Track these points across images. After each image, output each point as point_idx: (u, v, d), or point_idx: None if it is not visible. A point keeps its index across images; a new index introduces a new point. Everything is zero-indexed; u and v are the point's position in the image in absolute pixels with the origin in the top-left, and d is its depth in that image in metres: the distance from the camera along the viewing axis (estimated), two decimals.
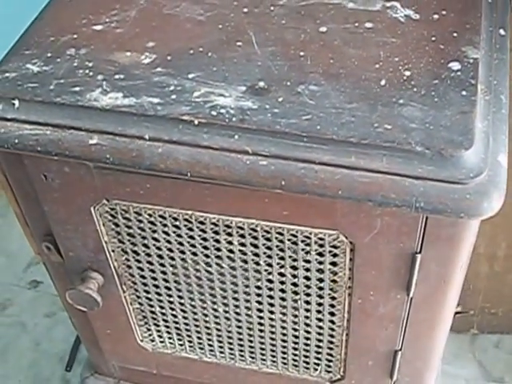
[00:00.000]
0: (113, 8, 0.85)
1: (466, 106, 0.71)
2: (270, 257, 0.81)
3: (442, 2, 0.83)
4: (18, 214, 0.93)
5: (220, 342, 0.99)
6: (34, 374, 1.44)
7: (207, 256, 0.84)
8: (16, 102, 0.76)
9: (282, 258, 0.81)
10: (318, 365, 0.97)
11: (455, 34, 0.79)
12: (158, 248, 0.85)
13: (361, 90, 0.73)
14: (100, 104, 0.74)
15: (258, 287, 0.86)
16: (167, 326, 1.00)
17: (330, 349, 0.94)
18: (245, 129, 0.71)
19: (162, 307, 0.96)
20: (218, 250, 0.83)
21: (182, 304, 0.94)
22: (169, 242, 0.84)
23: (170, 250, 0.85)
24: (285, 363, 0.99)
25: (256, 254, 0.82)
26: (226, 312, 0.93)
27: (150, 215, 0.81)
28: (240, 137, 0.71)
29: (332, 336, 0.91)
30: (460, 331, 1.45)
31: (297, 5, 0.84)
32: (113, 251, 0.88)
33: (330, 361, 0.96)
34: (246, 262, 0.83)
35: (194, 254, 0.85)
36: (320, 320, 0.89)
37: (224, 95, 0.74)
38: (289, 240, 0.78)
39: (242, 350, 0.99)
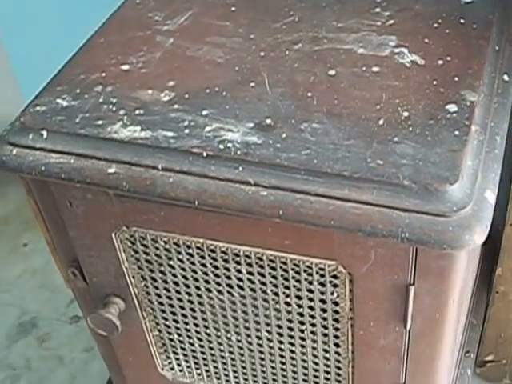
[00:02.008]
0: (140, 49, 0.97)
1: (457, 145, 0.79)
2: (275, 286, 0.90)
3: (449, 49, 0.92)
4: (48, 242, 1.04)
5: (235, 371, 1.07)
6: None
7: (219, 284, 0.93)
8: (44, 133, 0.87)
9: (287, 288, 0.90)
10: None
11: (456, 79, 0.87)
12: (174, 275, 0.95)
13: (359, 128, 0.82)
14: (119, 136, 0.85)
15: (267, 316, 0.95)
16: (185, 355, 1.09)
17: (338, 381, 1.01)
18: (248, 161, 0.80)
19: (179, 334, 1.05)
20: (229, 278, 0.92)
21: (197, 332, 1.03)
22: (183, 269, 0.93)
23: (185, 278, 0.94)
24: None
25: (263, 283, 0.90)
26: (239, 341, 1.01)
27: (165, 242, 0.91)
28: (244, 169, 0.80)
29: (339, 368, 0.98)
30: (492, 381, 1.48)
31: (310, 50, 0.94)
32: (133, 277, 0.98)
33: None
34: (254, 290, 0.92)
35: (207, 281, 0.94)
36: (326, 351, 0.96)
37: (232, 130, 0.83)
38: (292, 269, 0.87)
39: (255, 381, 1.07)
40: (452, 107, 0.83)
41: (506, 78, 0.91)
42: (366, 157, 0.78)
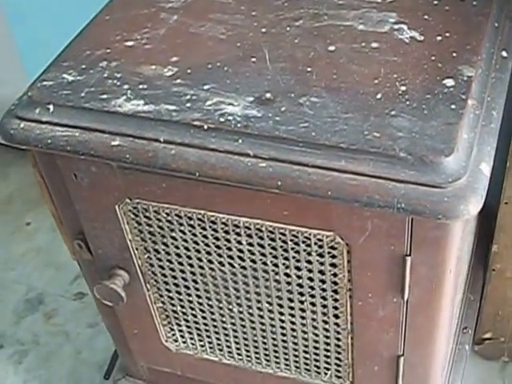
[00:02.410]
0: (144, 26, 0.99)
1: (453, 118, 0.80)
2: (275, 257, 0.92)
3: (448, 25, 0.93)
4: (54, 215, 1.06)
5: (237, 343, 1.10)
6: (74, 381, 1.57)
7: (220, 255, 0.95)
8: (51, 107, 0.89)
9: (287, 259, 0.92)
10: (327, 369, 1.07)
11: (454, 54, 0.89)
12: (176, 247, 0.97)
13: (357, 102, 0.84)
14: (123, 110, 0.87)
15: (267, 287, 0.97)
16: (188, 326, 1.11)
17: (338, 353, 1.03)
18: (248, 134, 0.82)
19: (182, 306, 1.07)
20: (229, 249, 0.94)
21: (200, 304, 1.05)
22: (185, 240, 0.95)
23: (187, 249, 0.97)
24: (297, 367, 1.09)
25: (263, 254, 0.92)
26: (240, 312, 1.03)
27: (167, 214, 0.93)
28: (243, 141, 0.82)
29: (338, 339, 1.01)
30: (490, 358, 1.50)
31: (311, 26, 0.95)
32: (136, 249, 1.01)
33: (338, 365, 1.05)
34: (254, 261, 0.94)
35: (208, 253, 0.96)
36: (326, 322, 0.99)
37: (233, 104, 0.85)
38: (291, 241, 0.89)
39: (257, 352, 1.10)
40: (449, 82, 0.85)
41: (504, 54, 0.93)
42: (363, 129, 0.80)
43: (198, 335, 1.12)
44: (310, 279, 0.93)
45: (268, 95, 0.86)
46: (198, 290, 1.03)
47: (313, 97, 0.85)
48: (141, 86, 0.89)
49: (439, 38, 0.92)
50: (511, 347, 1.48)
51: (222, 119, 0.84)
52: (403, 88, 0.85)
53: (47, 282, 1.78)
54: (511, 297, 1.37)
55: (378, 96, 0.84)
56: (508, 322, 1.42)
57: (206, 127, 0.84)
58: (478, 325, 1.44)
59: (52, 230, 1.88)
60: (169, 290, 1.06)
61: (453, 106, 0.82)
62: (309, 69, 0.89)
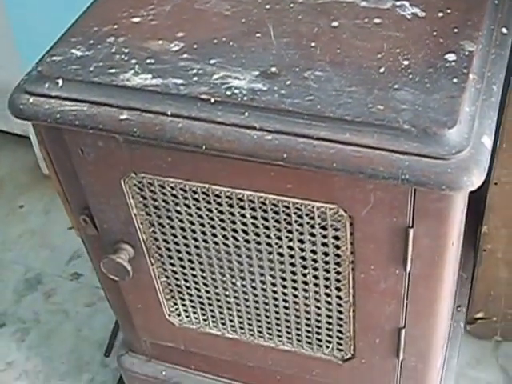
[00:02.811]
0: (151, 3, 1.00)
1: (455, 92, 0.82)
2: (279, 230, 0.94)
3: (449, 2, 0.95)
4: (58, 191, 1.07)
5: (239, 317, 1.11)
6: (75, 358, 1.60)
7: (224, 229, 0.97)
8: (60, 81, 0.91)
9: (290, 232, 0.93)
10: (329, 342, 1.08)
11: (456, 30, 0.90)
12: (181, 220, 0.99)
13: (361, 76, 0.85)
14: (131, 83, 0.88)
15: (271, 260, 0.99)
16: (191, 301, 1.13)
17: (340, 325, 1.05)
18: (254, 107, 0.84)
19: (186, 280, 1.09)
20: (233, 222, 0.95)
21: (203, 277, 1.07)
22: (190, 214, 0.97)
23: (191, 223, 0.98)
24: (299, 340, 1.11)
25: (266, 227, 0.94)
26: (244, 286, 1.05)
27: (172, 188, 0.94)
28: (249, 114, 0.84)
29: (340, 312, 1.02)
30: (483, 338, 1.52)
31: (314, 2, 0.97)
32: (141, 224, 1.02)
33: (340, 338, 1.07)
34: (258, 235, 0.96)
35: (213, 226, 0.98)
36: (328, 295, 1.00)
37: (239, 78, 0.87)
38: (294, 213, 0.90)
39: (259, 326, 1.11)
40: (451, 56, 0.87)
41: (504, 30, 0.94)
42: (367, 102, 0.82)
43: (201, 309, 1.14)
44: (313, 252, 0.95)
45: (273, 69, 0.87)
46: (201, 263, 1.05)
47: (317, 71, 0.87)
48: (148, 61, 0.91)
49: (440, 14, 0.93)
50: (504, 327, 1.50)
51: (228, 93, 0.85)
52: (406, 62, 0.86)
53: (44, 263, 1.82)
54: (503, 276, 1.39)
55: (381, 70, 0.86)
56: (500, 302, 1.45)
57: (212, 100, 0.85)
58: (470, 305, 1.46)
59: (44, 213, 1.94)
60: (173, 264, 1.07)
61: (455, 80, 0.84)
62: (313, 44, 0.90)
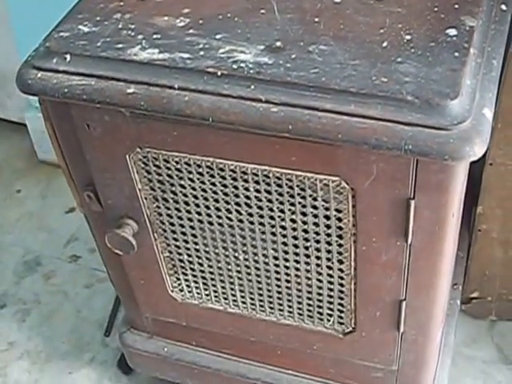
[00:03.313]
0: None
1: (457, 65, 0.84)
2: (282, 203, 0.95)
3: None
4: (63, 168, 1.09)
5: (241, 291, 1.13)
6: (76, 338, 1.62)
7: (227, 202, 0.99)
8: (68, 57, 0.92)
9: (293, 205, 0.95)
10: (330, 315, 1.10)
11: (456, 6, 0.92)
12: (185, 195, 1.00)
13: (364, 50, 0.87)
14: (138, 58, 0.90)
15: (273, 234, 1.00)
16: (194, 276, 1.14)
17: (341, 298, 1.07)
18: (260, 80, 0.85)
19: (189, 255, 1.11)
20: (237, 196, 0.97)
21: (206, 252, 1.09)
22: (194, 188, 0.99)
23: (195, 197, 1.00)
24: (300, 314, 1.12)
25: (269, 200, 0.96)
26: (246, 260, 1.07)
27: (176, 162, 0.96)
28: (256, 87, 0.85)
29: (342, 285, 1.04)
30: (478, 317, 1.55)
31: None
32: (145, 198, 1.04)
33: (341, 311, 1.09)
34: (261, 208, 0.97)
35: (216, 200, 0.99)
36: (330, 268, 1.02)
37: (245, 52, 0.88)
38: (297, 186, 0.92)
39: (261, 300, 1.13)
40: (452, 31, 0.88)
41: (503, 7, 0.96)
42: (371, 75, 0.84)
43: (204, 284, 1.16)
44: (316, 225, 0.97)
45: (278, 44, 0.89)
46: (204, 238, 1.06)
47: (321, 45, 0.88)
48: (155, 36, 0.92)
49: None
50: (498, 306, 1.53)
51: (234, 66, 0.87)
52: (408, 37, 0.88)
53: (42, 245, 1.84)
54: (498, 256, 1.42)
55: (384, 44, 0.87)
56: (495, 282, 1.47)
57: (219, 74, 0.87)
58: (466, 285, 1.48)
59: (41, 197, 1.98)
60: (176, 239, 1.09)
61: (456, 54, 0.85)
62: (316, 19, 0.92)
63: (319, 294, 1.08)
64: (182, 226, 1.06)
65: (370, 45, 0.88)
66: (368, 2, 0.94)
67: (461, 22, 0.90)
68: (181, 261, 1.13)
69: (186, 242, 1.08)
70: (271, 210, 0.97)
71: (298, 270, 1.05)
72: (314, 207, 0.94)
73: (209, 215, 1.02)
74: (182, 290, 1.18)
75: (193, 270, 1.14)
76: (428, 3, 0.93)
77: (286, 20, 0.92)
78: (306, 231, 0.98)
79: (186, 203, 1.02)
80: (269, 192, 0.95)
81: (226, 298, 1.16)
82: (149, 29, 0.94)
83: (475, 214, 1.37)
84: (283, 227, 0.99)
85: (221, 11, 0.95)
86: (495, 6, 0.95)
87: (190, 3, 0.97)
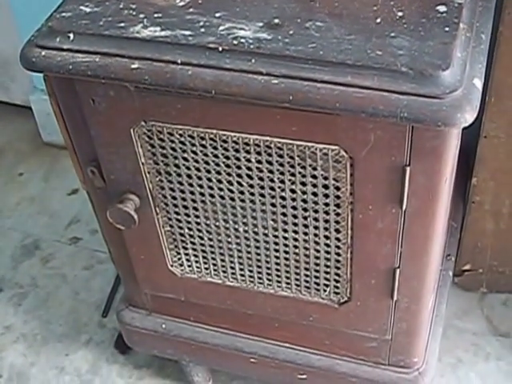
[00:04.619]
0: None
1: (447, 39, 0.89)
2: (282, 173, 1.00)
3: None
4: (67, 144, 1.12)
5: (240, 263, 1.18)
6: (73, 320, 1.66)
7: (229, 174, 1.03)
8: (71, 35, 0.96)
9: (293, 175, 1.00)
10: (327, 286, 1.15)
11: None
12: (187, 168, 1.05)
13: (359, 25, 0.92)
14: (141, 35, 0.94)
15: (273, 204, 1.05)
16: (194, 249, 1.19)
17: (337, 268, 1.11)
18: (260, 54, 0.90)
19: (189, 229, 1.15)
20: (239, 167, 1.02)
21: (207, 225, 1.13)
22: (196, 161, 1.03)
23: (198, 170, 1.04)
24: (298, 285, 1.17)
25: (271, 171, 1.00)
26: (246, 232, 1.11)
27: (180, 135, 1.00)
28: (256, 61, 0.90)
29: (338, 254, 1.09)
30: (469, 289, 1.61)
31: None
32: (148, 173, 1.08)
33: (337, 281, 1.14)
34: (262, 179, 1.02)
35: (218, 172, 1.04)
36: (327, 238, 1.07)
37: (244, 29, 0.93)
38: (298, 156, 0.97)
39: (259, 272, 1.18)
40: (442, 8, 0.93)
41: None
42: (367, 48, 0.88)
43: (204, 257, 1.20)
44: (314, 194, 1.01)
45: (276, 21, 0.94)
46: (205, 210, 1.11)
47: (318, 21, 0.93)
48: (156, 15, 0.96)
49: None
50: (489, 278, 1.58)
51: (235, 42, 0.91)
52: (400, 13, 0.93)
53: (42, 229, 1.86)
54: (489, 228, 1.47)
55: (378, 20, 0.92)
56: (486, 254, 1.52)
57: (220, 49, 0.91)
58: (458, 257, 1.54)
59: (44, 180, 1.98)
60: (177, 213, 1.13)
61: (446, 29, 0.90)
62: None
63: (316, 265, 1.12)
64: (183, 199, 1.10)
65: (364, 21, 0.92)
66: None
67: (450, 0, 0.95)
68: (181, 235, 1.17)
69: (188, 215, 1.13)
70: (272, 180, 1.02)
71: (296, 240, 1.09)
72: (314, 177, 0.99)
73: (211, 188, 1.07)
74: (181, 265, 1.23)
75: (193, 243, 1.18)
76: None
77: None
78: (305, 201, 1.03)
79: (189, 176, 1.06)
80: (270, 163, 0.99)
81: (224, 272, 1.21)
82: (150, 8, 0.98)
83: (470, 187, 1.43)
84: (283, 198, 1.04)
85: None
86: None
87: None
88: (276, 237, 1.10)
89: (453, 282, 1.56)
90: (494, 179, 1.39)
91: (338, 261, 1.10)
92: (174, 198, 1.11)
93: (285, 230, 1.09)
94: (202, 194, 1.08)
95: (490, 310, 1.59)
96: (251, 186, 1.04)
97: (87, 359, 1.60)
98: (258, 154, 0.99)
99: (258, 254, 1.15)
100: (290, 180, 1.01)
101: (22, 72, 1.02)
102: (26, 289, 1.73)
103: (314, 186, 1.00)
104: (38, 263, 1.78)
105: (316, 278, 1.15)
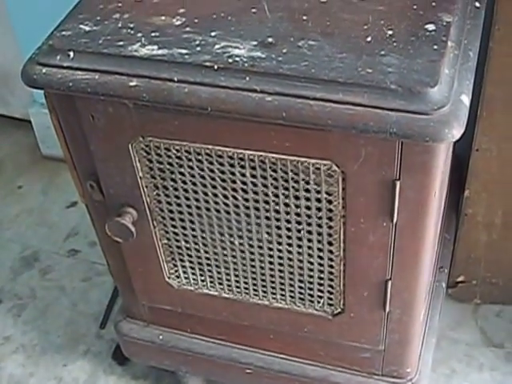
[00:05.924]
0: None
1: (436, 57, 0.92)
2: (276, 188, 1.03)
3: None
4: (67, 159, 1.16)
5: (236, 276, 1.21)
6: (71, 331, 1.69)
7: (224, 188, 1.06)
8: (71, 53, 0.99)
9: (287, 189, 1.03)
10: (320, 297, 1.18)
11: (433, 4, 1.00)
12: (184, 182, 1.08)
13: (350, 44, 0.95)
14: (139, 54, 0.97)
15: (268, 218, 1.08)
16: (191, 262, 1.22)
17: (331, 280, 1.14)
18: (254, 72, 0.93)
19: (186, 241, 1.18)
20: (234, 182, 1.05)
21: (203, 238, 1.16)
22: (193, 175, 1.06)
23: (194, 184, 1.08)
24: (292, 296, 1.20)
25: (265, 186, 1.04)
26: (241, 245, 1.14)
27: (177, 150, 1.04)
28: (250, 78, 0.93)
29: (331, 266, 1.12)
30: (463, 301, 1.63)
31: None
32: (146, 187, 1.11)
33: (331, 293, 1.17)
34: (256, 193, 1.05)
35: (214, 186, 1.07)
36: (320, 250, 1.10)
37: (239, 47, 0.96)
38: (291, 171, 1.00)
39: (254, 284, 1.21)
40: (430, 26, 0.97)
41: (477, 4, 1.05)
42: (357, 66, 0.92)
43: (200, 270, 1.23)
44: (308, 208, 1.04)
45: (270, 39, 0.97)
46: (202, 224, 1.14)
47: (310, 40, 0.96)
48: (153, 34, 1.00)
49: None
50: (483, 290, 1.61)
51: (230, 60, 0.95)
52: (390, 32, 0.96)
53: (41, 241, 1.90)
54: (482, 239, 1.50)
55: (368, 39, 0.96)
56: (479, 265, 1.55)
57: (216, 67, 0.94)
58: (452, 268, 1.57)
59: (43, 193, 2.01)
60: (174, 226, 1.16)
61: (435, 47, 0.94)
62: (304, 17, 1.00)
63: (310, 277, 1.15)
64: (180, 212, 1.13)
65: (355, 39, 0.96)
66: (352, 1, 1.02)
67: (438, 18, 0.98)
68: (178, 247, 1.20)
69: (184, 228, 1.16)
70: (266, 194, 1.05)
71: (290, 252, 1.13)
72: (307, 190, 1.02)
73: (206, 201, 1.10)
74: (178, 277, 1.26)
75: (189, 256, 1.21)
76: (407, 1, 1.01)
77: (276, 18, 1.01)
78: (298, 214, 1.06)
79: (185, 190, 1.09)
80: (264, 177, 1.03)
81: (220, 284, 1.24)
82: (147, 27, 1.01)
83: (462, 199, 1.46)
84: (277, 211, 1.07)
85: (215, 11, 1.03)
86: (470, 3, 1.04)
87: (186, 4, 1.05)
88: (271, 249, 1.13)
89: (446, 294, 1.59)
90: (486, 191, 1.42)
91: (331, 273, 1.13)
92: (171, 211, 1.14)
93: (279, 243, 1.12)
94: (199, 208, 1.11)
95: (484, 321, 1.62)
96: (246, 199, 1.07)
97: (85, 370, 1.63)
98: (253, 168, 1.02)
99: (253, 267, 1.18)
100: (283, 194, 1.04)
101: (21, 85, 1.05)
102: (25, 300, 1.76)
103: (307, 199, 1.03)
104: (37, 275, 1.81)
105: (310, 289, 1.18)
